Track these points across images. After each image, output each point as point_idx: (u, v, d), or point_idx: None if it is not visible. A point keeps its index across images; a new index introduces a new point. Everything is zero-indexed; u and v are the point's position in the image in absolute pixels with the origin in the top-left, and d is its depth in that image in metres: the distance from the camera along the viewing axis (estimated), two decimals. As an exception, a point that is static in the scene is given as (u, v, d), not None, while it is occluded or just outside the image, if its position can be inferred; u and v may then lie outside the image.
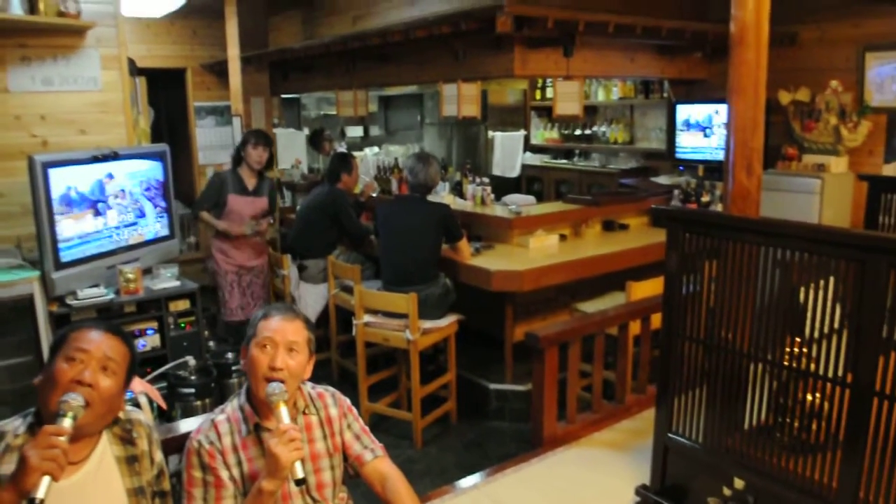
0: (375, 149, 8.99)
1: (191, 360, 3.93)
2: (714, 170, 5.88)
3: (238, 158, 5.07)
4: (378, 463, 2.20)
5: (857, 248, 2.08)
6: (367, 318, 4.24)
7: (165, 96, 7.98)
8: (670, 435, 2.64)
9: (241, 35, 6.54)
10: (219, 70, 7.45)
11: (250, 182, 5.05)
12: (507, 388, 4.47)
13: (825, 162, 5.44)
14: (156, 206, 4.35)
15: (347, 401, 2.26)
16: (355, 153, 6.96)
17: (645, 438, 2.89)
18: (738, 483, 2.45)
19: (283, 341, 2.02)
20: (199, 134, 7.81)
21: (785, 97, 5.64)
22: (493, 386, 4.51)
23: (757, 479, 2.40)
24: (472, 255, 4.50)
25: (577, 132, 8.24)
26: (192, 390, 3.89)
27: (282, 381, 1.97)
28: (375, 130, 10.20)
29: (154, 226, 4.35)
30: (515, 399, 4.43)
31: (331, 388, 2.27)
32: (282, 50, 6.49)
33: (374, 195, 5.74)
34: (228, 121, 7.48)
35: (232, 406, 2.10)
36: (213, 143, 7.88)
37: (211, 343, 4.73)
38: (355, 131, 9.92)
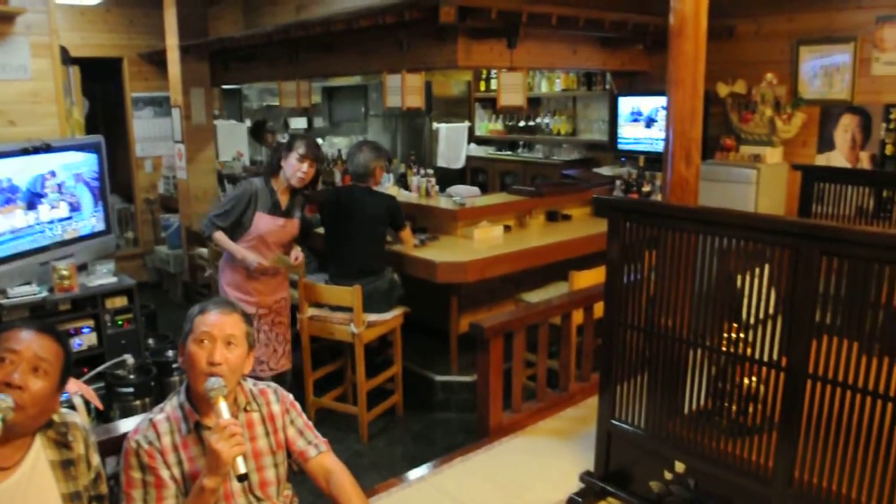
0: (319, 140, 8.88)
1: (129, 359, 3.83)
2: (655, 160, 5.96)
3: (274, 167, 4.08)
4: (322, 458, 2.18)
5: (791, 235, 2.14)
6: (311, 311, 4.19)
7: (101, 87, 7.75)
8: (613, 421, 2.68)
9: (180, 24, 6.38)
10: (157, 60, 7.27)
11: (283, 199, 4.06)
12: (454, 379, 4.48)
13: (761, 152, 5.58)
14: (93, 201, 4.22)
15: (290, 396, 2.23)
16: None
17: (589, 425, 2.92)
18: (679, 467, 2.50)
19: (221, 335, 1.98)
20: (137, 126, 7.62)
21: (723, 89, 5.76)
22: (439, 377, 4.51)
23: (697, 463, 2.45)
24: (416, 247, 4.49)
25: (521, 124, 8.28)
26: (131, 390, 3.80)
27: (221, 376, 1.93)
28: (319, 122, 10.09)
29: (89, 220, 4.23)
30: (462, 390, 4.44)
31: (273, 384, 2.23)
32: (222, 39, 6.35)
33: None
34: (167, 112, 7.31)
35: (171, 404, 2.06)
36: (151, 135, 7.70)
37: (150, 340, 4.62)
38: (299, 123, 9.79)
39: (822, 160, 5.60)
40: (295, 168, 3.95)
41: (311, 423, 2.23)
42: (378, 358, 4.75)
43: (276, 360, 4.14)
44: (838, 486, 2.11)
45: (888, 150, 5.28)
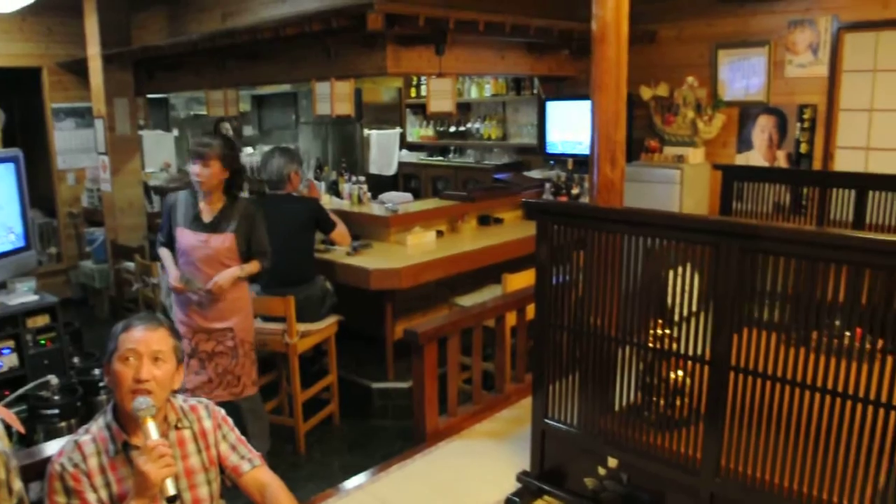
0: (249, 149, 8.77)
1: (53, 380, 3.70)
2: (583, 163, 6.09)
3: None
4: (256, 472, 2.15)
5: (712, 233, 2.21)
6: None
7: (19, 98, 7.48)
8: (547, 420, 2.71)
9: (102, 32, 6.21)
10: (78, 69, 7.05)
11: (208, 211, 3.61)
12: (390, 386, 4.47)
13: (684, 153, 5.75)
14: (11, 216, 4.07)
15: (222, 411, 2.20)
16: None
17: (525, 425, 2.96)
18: (612, 462, 2.55)
19: (148, 351, 1.94)
20: (59, 137, 7.38)
21: (646, 92, 5.92)
22: (375, 385, 4.50)
23: (629, 457, 2.50)
24: (349, 254, 4.47)
25: (452, 129, 8.33)
26: (56, 411, 3.67)
27: (149, 393, 1.89)
28: (249, 130, 9.96)
29: (7, 237, 4.07)
30: (398, 396, 4.43)
31: (204, 400, 2.20)
32: (146, 48, 6.20)
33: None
34: (90, 123, 7.10)
35: (98, 425, 2.00)
36: (74, 147, 7.47)
37: (75, 359, 4.47)
38: (228, 132, 9.63)
39: (741, 159, 5.81)
40: (191, 171, 3.55)
41: (243, 438, 2.20)
42: (313, 367, 4.71)
43: (211, 389, 3.64)
44: (762, 472, 2.19)
45: (803, 148, 5.50)
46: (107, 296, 6.97)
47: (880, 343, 1.95)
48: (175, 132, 8.74)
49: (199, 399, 2.19)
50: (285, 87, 8.61)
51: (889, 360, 1.93)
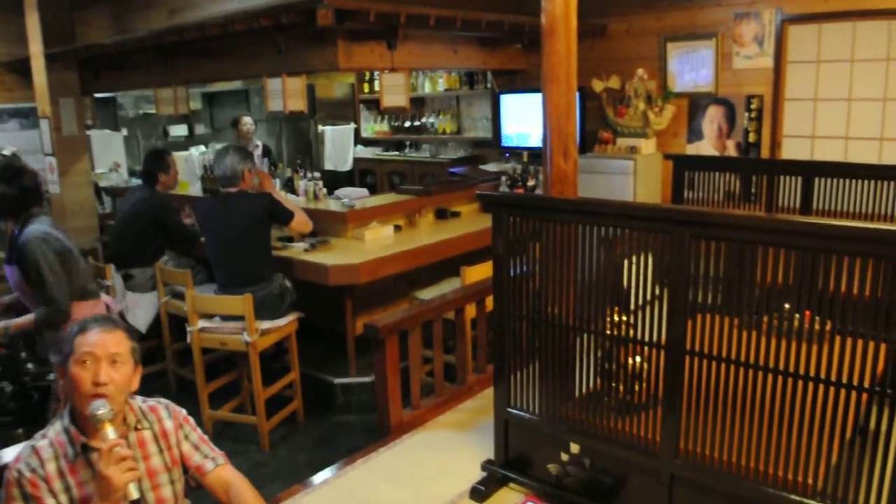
0: (202, 147, 8.65)
1: (6, 386, 3.62)
2: (538, 155, 6.14)
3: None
4: (220, 471, 2.14)
5: (664, 221, 2.26)
6: (202, 323, 4.09)
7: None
8: (510, 409, 2.75)
9: (44, 30, 6.05)
10: (20, 69, 6.86)
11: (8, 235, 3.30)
12: (353, 381, 4.47)
13: (637, 144, 5.84)
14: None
15: (183, 411, 2.18)
16: (180, 152, 6.67)
17: (488, 415, 2.99)
18: (574, 448, 2.60)
19: (105, 354, 1.92)
20: (3, 139, 7.17)
21: (598, 85, 6.00)
22: (338, 380, 4.49)
23: (591, 443, 2.55)
24: (307, 251, 4.46)
25: (407, 124, 8.34)
26: (10, 418, 3.58)
27: (106, 397, 1.87)
28: (201, 129, 9.81)
29: (-48, 242, 3.96)
30: (361, 391, 4.44)
31: (164, 401, 2.18)
32: (91, 46, 6.07)
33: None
34: (35, 124, 6.92)
35: (55, 429, 1.97)
36: (18, 149, 7.26)
37: (29, 365, 4.36)
38: (179, 130, 9.50)
39: (692, 149, 5.93)
40: None
41: (206, 437, 2.19)
42: (274, 365, 4.68)
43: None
44: (719, 452, 2.25)
45: (751, 137, 5.64)
46: (59, 300, 6.81)
47: (829, 324, 2.02)
48: (124, 132, 8.58)
49: (158, 399, 2.17)
50: (237, 84, 8.52)
51: (838, 340, 2.00)
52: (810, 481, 2.10)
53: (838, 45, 5.20)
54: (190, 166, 6.30)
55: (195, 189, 6.04)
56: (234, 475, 2.14)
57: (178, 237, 4.90)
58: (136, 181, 6.38)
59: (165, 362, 4.88)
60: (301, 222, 4.42)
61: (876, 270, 1.90)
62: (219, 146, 8.40)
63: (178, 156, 6.21)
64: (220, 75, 6.10)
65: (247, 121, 6.87)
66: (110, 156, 7.69)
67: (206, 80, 6.93)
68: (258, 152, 6.87)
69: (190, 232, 4.89)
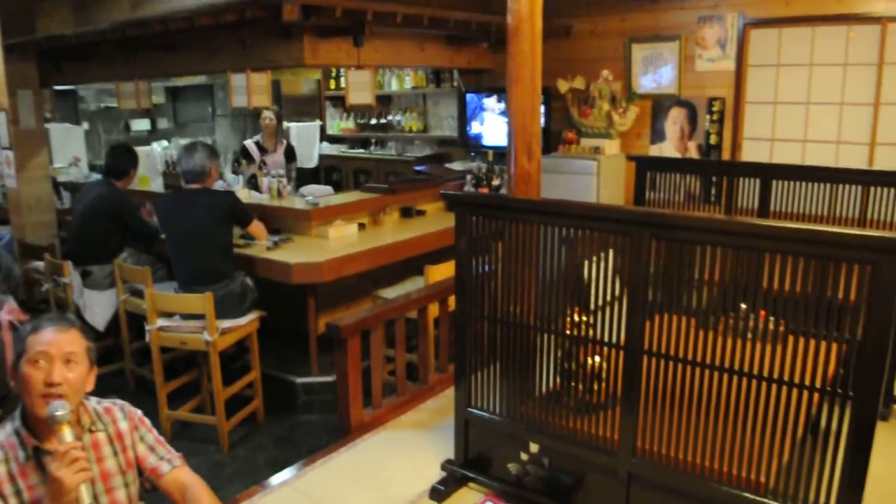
0: (164, 143, 8.53)
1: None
2: (503, 155, 6.17)
3: None
4: (177, 473, 2.11)
5: (625, 222, 2.28)
6: (161, 322, 4.03)
7: None
8: (470, 409, 2.76)
9: (3, 21, 5.92)
10: (-25, 60, 6.70)
11: None
12: (314, 380, 4.44)
13: (600, 145, 5.89)
14: None
15: (139, 412, 2.15)
16: (142, 147, 6.56)
17: (449, 415, 2.99)
18: (534, 447, 2.61)
19: (59, 354, 1.88)
20: (-43, 132, 7.00)
21: (563, 85, 6.03)
22: (299, 380, 4.46)
23: (550, 442, 2.57)
24: (269, 249, 4.42)
25: (373, 121, 8.31)
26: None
27: (62, 397, 1.83)
28: (164, 123, 9.68)
29: None
30: (323, 391, 4.41)
31: (119, 402, 2.14)
32: (51, 37, 5.95)
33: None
34: (-9, 116, 6.76)
35: (5, 432, 1.92)
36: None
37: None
38: (141, 125, 9.36)
39: (655, 150, 5.99)
40: None
41: (162, 439, 2.16)
42: (235, 364, 4.63)
43: None
44: (676, 451, 2.28)
45: (713, 139, 5.71)
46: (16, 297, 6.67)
47: (782, 325, 2.06)
48: (85, 125, 8.43)
49: (113, 401, 2.13)
50: (201, 79, 8.42)
51: (791, 340, 2.04)
52: (763, 479, 2.14)
53: (798, 50, 5.30)
54: (151, 162, 6.20)
55: (157, 185, 5.95)
56: (190, 477, 2.11)
57: (138, 234, 4.83)
58: (97, 176, 6.27)
59: (123, 361, 4.80)
60: (259, 227, 4.46)
61: (825, 272, 1.94)
62: (182, 142, 8.31)
63: (140, 151, 6.11)
64: (183, 70, 6.01)
65: (267, 115, 6.34)
66: (70, 150, 7.53)
67: (169, 75, 6.83)
68: (280, 152, 6.35)
69: (150, 228, 4.81)
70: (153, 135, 9.28)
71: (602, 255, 2.37)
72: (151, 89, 6.39)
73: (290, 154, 6.43)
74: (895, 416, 3.35)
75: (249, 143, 6.35)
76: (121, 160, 4.86)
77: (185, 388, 4.37)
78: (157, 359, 4.05)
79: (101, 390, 2.12)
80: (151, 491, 2.13)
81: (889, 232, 2.95)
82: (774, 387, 2.08)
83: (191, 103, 9.52)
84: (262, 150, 6.27)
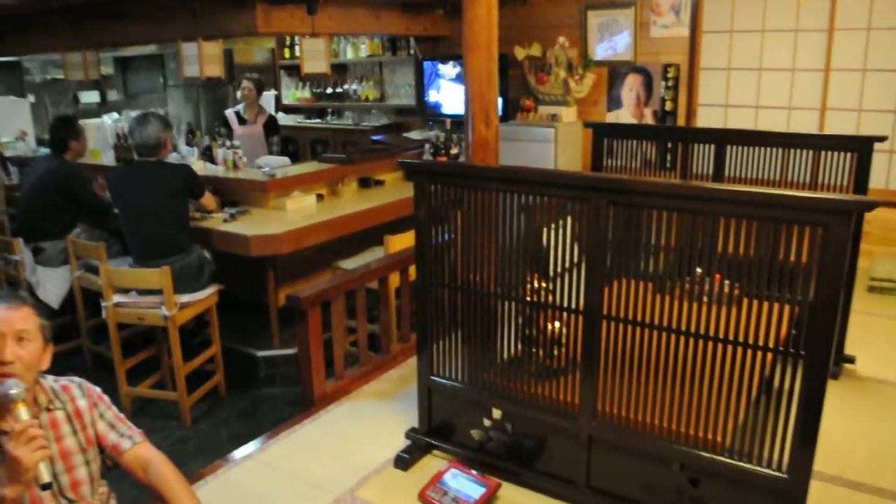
0: (115, 115, 8.31)
1: None
2: (461, 123, 6.14)
3: None
4: (138, 449, 2.09)
5: (583, 188, 2.30)
6: (117, 298, 3.96)
7: None
8: (433, 377, 2.77)
9: (-63, -10, 5.68)
10: (-89, 31, 6.44)
11: None
12: (276, 353, 4.42)
13: (558, 112, 5.90)
14: None
15: (97, 389, 2.11)
16: (92, 120, 6.39)
17: (412, 384, 3.01)
18: (497, 413, 2.64)
19: (11, 331, 1.83)
20: None
21: (520, 52, 6.01)
22: (261, 353, 4.44)
23: (512, 407, 2.60)
24: (226, 221, 4.36)
25: (329, 91, 8.20)
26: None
27: (14, 375, 1.79)
28: (114, 95, 9.42)
29: None
30: (285, 363, 4.40)
31: (77, 379, 2.10)
32: (-10, 7, 5.74)
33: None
34: (-70, 90, 6.53)
35: (-42, 412, 1.88)
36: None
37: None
38: (90, 97, 9.10)
39: (611, 117, 6.03)
40: None
41: (123, 416, 2.13)
42: (195, 339, 4.59)
43: None
44: (635, 413, 2.33)
45: (668, 106, 5.77)
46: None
47: (737, 288, 2.11)
48: (31, 98, 8.16)
49: (70, 378, 2.09)
50: (151, 49, 8.19)
51: (745, 302, 2.08)
52: (719, 438, 2.19)
53: (750, 16, 5.35)
54: (102, 134, 6.04)
55: (108, 158, 5.81)
56: (152, 453, 2.10)
57: (90, 208, 4.72)
58: (45, 150, 6.09)
59: (80, 339, 4.72)
60: (211, 198, 4.45)
61: (778, 235, 1.98)
62: (134, 114, 8.10)
63: (90, 123, 5.96)
64: (132, 39, 5.85)
65: (246, 84, 6.15)
66: (16, 124, 7.30)
67: (117, 45, 6.63)
68: (259, 123, 6.20)
69: (103, 203, 4.71)
70: (103, 107, 9.03)
71: (561, 221, 2.38)
72: (100, 60, 6.21)
73: (272, 126, 6.25)
74: (846, 374, 3.46)
75: (230, 113, 6.23)
76: (59, 132, 4.71)
77: (144, 365, 4.32)
78: (114, 335, 3.99)
79: (58, 368, 2.09)
80: (113, 468, 2.11)
81: (839, 195, 3.02)
82: (730, 348, 2.13)
83: (141, 74, 9.27)
84: (241, 120, 6.16)
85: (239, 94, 6.23)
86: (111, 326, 3.98)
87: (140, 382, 4.15)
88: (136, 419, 2.14)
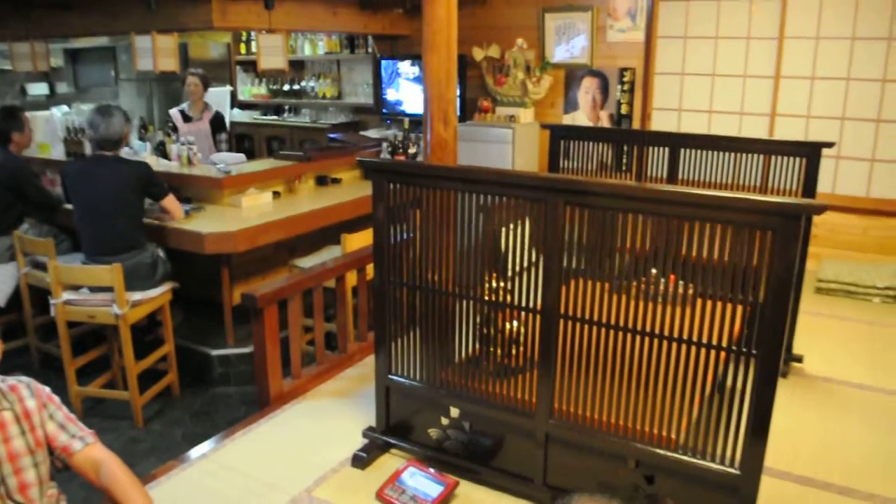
0: (65, 108, 8.10)
1: None
2: (419, 123, 6.14)
3: None
4: (89, 450, 2.04)
5: (540, 189, 2.32)
6: (66, 295, 3.87)
7: None
8: (391, 376, 2.77)
9: None
10: None
11: None
12: (231, 352, 4.37)
13: (515, 113, 5.94)
14: None
15: (47, 389, 2.06)
16: (41, 112, 6.22)
17: (369, 383, 3.00)
18: (454, 412, 2.65)
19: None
20: None
21: (478, 53, 6.04)
22: (215, 352, 4.37)
23: (470, 406, 2.61)
24: (182, 218, 4.29)
25: (286, 88, 8.12)
26: None
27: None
28: (63, 87, 9.19)
29: None
30: (240, 362, 4.35)
31: (25, 379, 2.05)
32: (-68, -6, 5.56)
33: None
34: None
35: None
36: None
37: None
38: (39, 88, 8.86)
39: (568, 119, 6.09)
40: None
41: (73, 416, 2.08)
42: (147, 337, 4.50)
43: None
44: (591, 411, 2.36)
45: (623, 109, 5.85)
46: None
47: (691, 288, 2.15)
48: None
49: (18, 378, 2.04)
50: (102, 41, 8.03)
51: (699, 303, 2.13)
52: (674, 436, 2.24)
53: (704, 23, 5.46)
54: (51, 127, 5.89)
55: (57, 152, 5.67)
56: (104, 454, 2.05)
57: (38, 203, 4.59)
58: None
59: (27, 337, 4.60)
60: (174, 202, 4.23)
61: (731, 236, 2.03)
62: (84, 107, 7.91)
63: (39, 115, 5.80)
64: (83, 30, 5.72)
65: (192, 79, 5.93)
66: (-42, 115, 7.08)
67: (67, 35, 6.48)
68: (205, 120, 5.96)
69: (52, 197, 4.59)
70: (52, 99, 8.81)
71: (519, 221, 2.40)
72: (49, 51, 6.05)
73: (218, 123, 6.06)
74: (794, 373, 3.56)
75: (174, 112, 5.99)
76: (2, 123, 4.56)
77: (94, 364, 4.23)
78: (63, 334, 3.90)
79: (5, 367, 2.04)
80: (63, 470, 2.06)
81: (790, 198, 3.10)
82: (684, 347, 2.17)
83: (92, 66, 9.06)
84: (186, 118, 5.95)
85: (186, 89, 6.02)
86: (60, 325, 3.89)
87: (90, 382, 4.06)
88: (87, 419, 2.09)
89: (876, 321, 4.28)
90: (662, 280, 2.20)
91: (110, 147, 3.99)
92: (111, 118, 3.96)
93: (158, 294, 4.02)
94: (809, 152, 3.35)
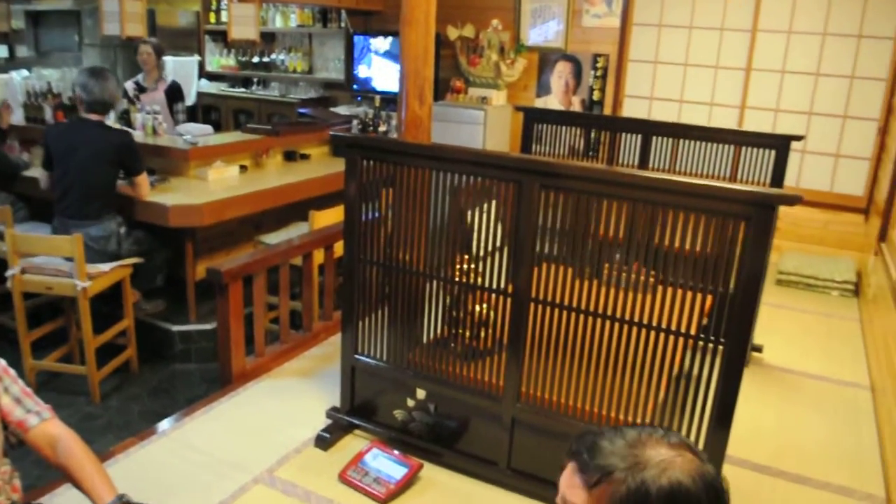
0: (24, 72, 7.86)
1: None
2: (390, 101, 6.08)
3: None
4: (46, 426, 1.98)
5: (514, 170, 2.30)
6: (24, 265, 3.75)
7: None
8: (357, 356, 2.74)
9: None
10: None
11: None
12: (192, 328, 4.29)
13: (488, 95, 5.91)
14: None
15: (2, 362, 1.99)
16: (0, 76, 6.02)
17: (334, 363, 2.97)
18: (420, 393, 2.63)
19: None
20: None
21: (453, 32, 5.98)
22: (176, 328, 4.29)
23: (437, 388, 2.59)
24: (148, 198, 4.18)
25: (255, 60, 7.98)
26: None
27: None
28: (24, 51, 8.91)
29: None
30: (201, 339, 4.27)
31: (-22, 353, 1.98)
32: None
33: (12, 122, 4.84)
34: None
35: None
36: None
37: None
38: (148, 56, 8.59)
39: (540, 103, 6.07)
40: None
41: (29, 390, 2.02)
42: (106, 309, 4.40)
43: None
44: (558, 396, 2.36)
45: (596, 95, 5.85)
46: None
47: (653, 275, 2.15)
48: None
49: (-28, 351, 1.97)
50: (66, 3, 7.79)
51: (669, 290, 2.13)
52: (639, 420, 2.24)
53: (679, 12, 5.47)
54: (11, 92, 5.70)
55: (16, 117, 5.49)
56: (61, 429, 1.99)
57: (-3, 170, 4.45)
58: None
59: (-20, 307, 4.47)
60: (144, 182, 4.09)
61: (703, 225, 2.03)
62: (46, 72, 7.69)
63: (-3, 79, 5.62)
64: (45, -8, 5.54)
65: (144, 48, 5.60)
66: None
67: (28, -3, 6.28)
68: (160, 90, 5.68)
69: (11, 162, 4.45)
70: (11, 62, 8.53)
71: (491, 202, 2.38)
72: (11, 12, 5.84)
73: (175, 94, 5.80)
74: (753, 362, 3.60)
75: (128, 85, 5.78)
76: None
77: (51, 337, 4.12)
78: (18, 305, 3.78)
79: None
80: (17, 446, 1.99)
81: (762, 188, 3.12)
82: (652, 333, 2.18)
83: (55, 30, 8.78)
84: (141, 89, 5.74)
85: (138, 58, 5.79)
86: (16, 296, 3.77)
87: (46, 355, 3.95)
88: (42, 394, 2.02)
89: (834, 314, 4.36)
90: (634, 267, 2.20)
91: (101, 110, 3.88)
92: (105, 81, 3.85)
93: (119, 267, 3.92)
94: (779, 145, 3.38)
